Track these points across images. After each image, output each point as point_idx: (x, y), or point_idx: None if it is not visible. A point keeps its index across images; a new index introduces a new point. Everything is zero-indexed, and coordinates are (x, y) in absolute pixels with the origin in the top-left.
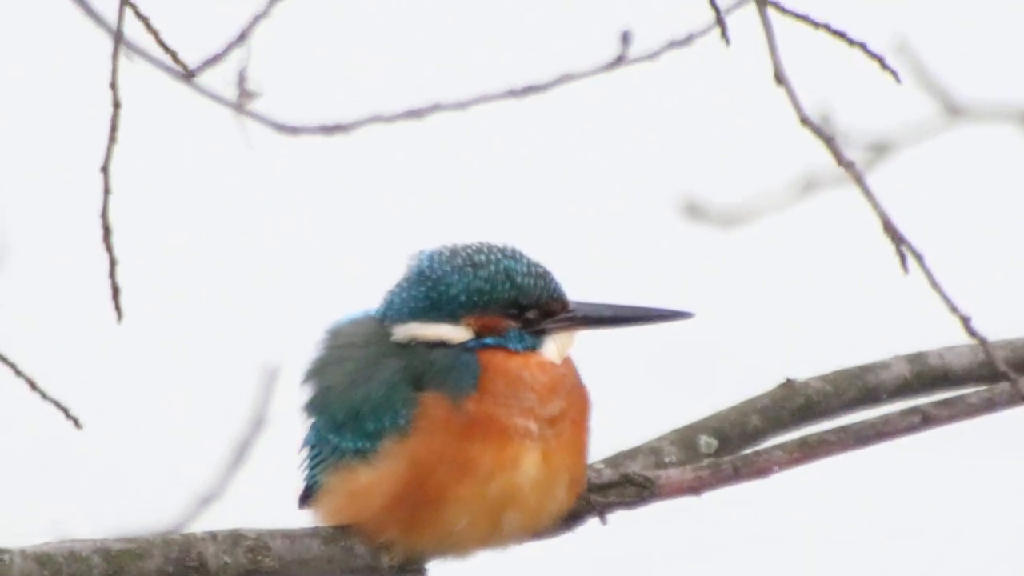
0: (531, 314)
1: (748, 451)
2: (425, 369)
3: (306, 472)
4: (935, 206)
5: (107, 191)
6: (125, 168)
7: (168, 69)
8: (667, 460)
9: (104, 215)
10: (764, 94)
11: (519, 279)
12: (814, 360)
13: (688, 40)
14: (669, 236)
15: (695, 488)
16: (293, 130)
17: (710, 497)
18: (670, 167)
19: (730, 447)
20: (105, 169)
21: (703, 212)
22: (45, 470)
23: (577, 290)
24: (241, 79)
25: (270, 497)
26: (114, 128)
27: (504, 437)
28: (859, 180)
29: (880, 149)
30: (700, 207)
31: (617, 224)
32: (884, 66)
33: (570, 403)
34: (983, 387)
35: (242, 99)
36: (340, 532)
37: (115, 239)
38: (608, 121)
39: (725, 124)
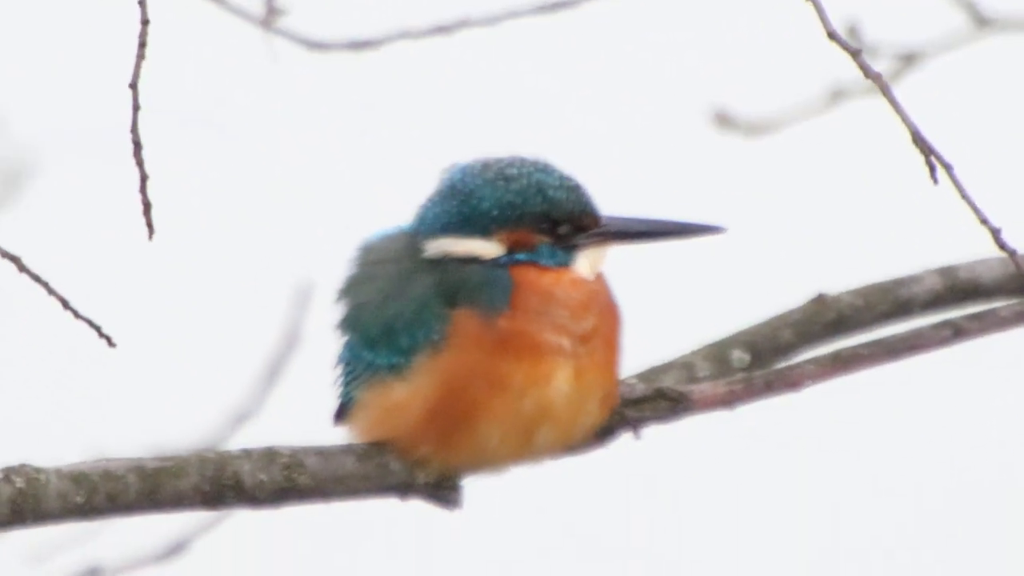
0: (563, 229)
1: (780, 365)
2: (458, 285)
3: (340, 389)
4: (964, 117)
5: (136, 107)
6: (155, 85)
7: None
8: (700, 375)
9: (134, 130)
10: (794, 4)
11: (551, 192)
12: (846, 274)
13: None
14: (700, 146)
15: (728, 402)
16: (321, 46)
17: (743, 411)
18: (700, 79)
19: (762, 361)
20: (134, 85)
21: (733, 122)
22: (79, 389)
23: (609, 204)
24: None
25: (304, 414)
26: (143, 44)
27: (536, 354)
28: (886, 92)
29: (908, 60)
30: (730, 117)
31: (648, 136)
32: None
33: (602, 319)
34: (1014, 300)
35: (270, 16)
36: (375, 449)
37: (145, 155)
38: (637, 35)
39: (755, 35)
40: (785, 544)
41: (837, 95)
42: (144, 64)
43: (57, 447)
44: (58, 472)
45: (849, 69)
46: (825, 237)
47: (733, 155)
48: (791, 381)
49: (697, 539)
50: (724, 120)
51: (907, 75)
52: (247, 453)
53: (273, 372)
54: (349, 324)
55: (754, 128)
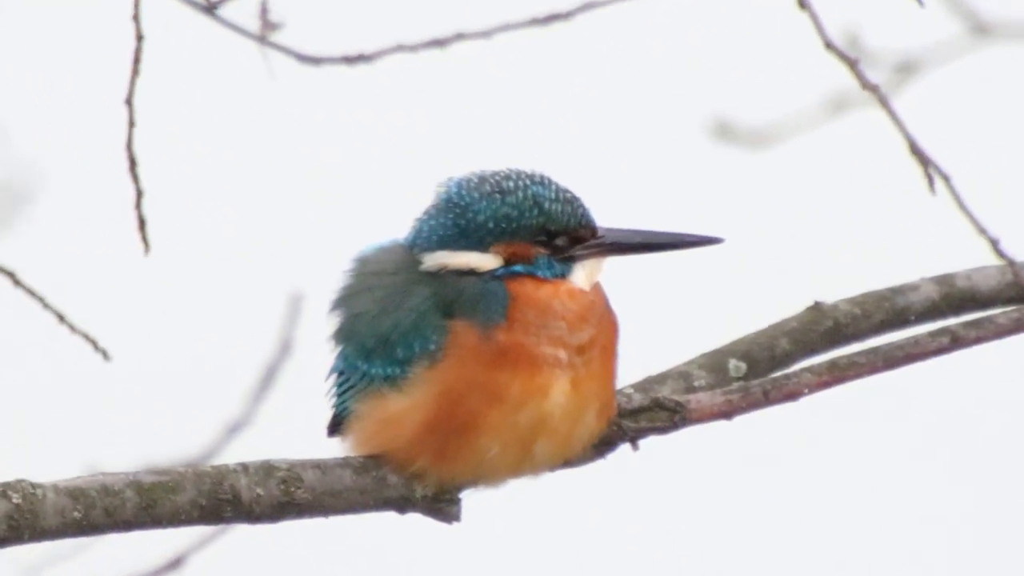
0: (560, 241)
1: (778, 374)
2: (455, 297)
3: (335, 400)
4: (963, 126)
5: (132, 123)
6: (150, 101)
7: (190, 1)
8: (697, 384)
9: (129, 147)
10: (793, 13)
11: (547, 205)
12: (842, 282)
13: None
14: (699, 158)
15: (726, 412)
16: (316, 60)
17: (741, 421)
18: (699, 89)
19: (759, 370)
20: (129, 101)
21: (733, 133)
22: (75, 404)
23: (606, 216)
24: (263, 10)
25: (298, 426)
26: (137, 61)
27: (533, 366)
28: (884, 103)
29: (907, 70)
30: (730, 128)
31: (646, 147)
32: None
33: (599, 330)
34: (1011, 308)
35: (264, 30)
36: (371, 462)
37: (141, 170)
38: (634, 45)
39: (754, 44)
40: (784, 557)
41: (837, 105)
42: (139, 80)
43: (54, 462)
44: (55, 488)
45: (848, 79)
46: (822, 246)
47: (733, 166)
48: (789, 391)
49: (696, 553)
50: (724, 131)
51: (906, 85)
52: (244, 467)
53: (266, 383)
54: (344, 335)
55: (754, 139)
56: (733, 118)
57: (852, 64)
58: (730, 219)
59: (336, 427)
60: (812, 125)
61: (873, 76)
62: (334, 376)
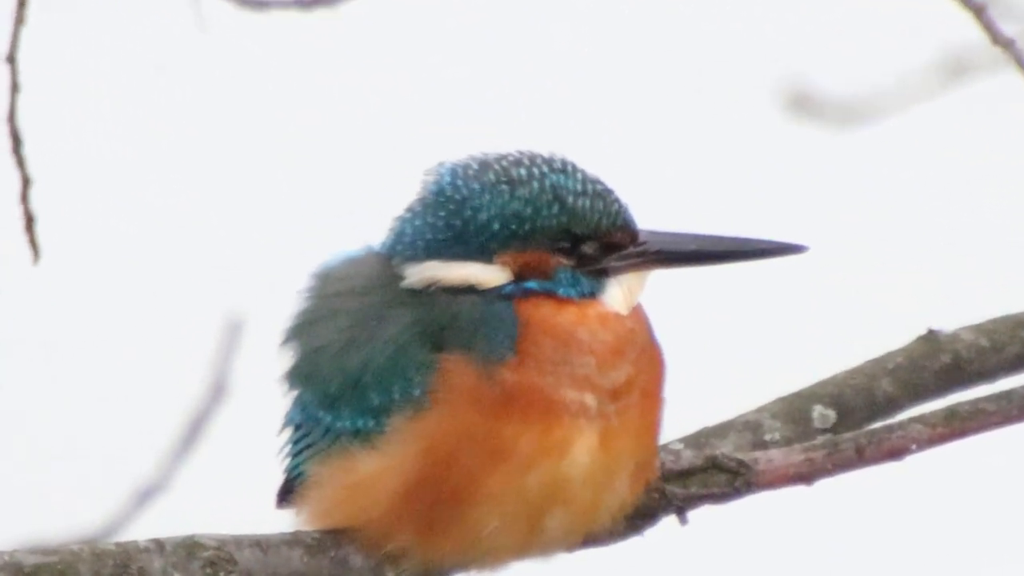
0: (589, 248)
1: (877, 425)
2: (447, 323)
3: (288, 460)
4: None
5: (15, 87)
6: (39, 58)
7: None
8: (768, 438)
9: (12, 119)
10: None
11: (571, 200)
12: (964, 304)
13: None
14: (771, 138)
15: (806, 475)
16: (260, 4)
17: (825, 486)
18: (772, 51)
19: (853, 420)
20: (12, 58)
21: (814, 107)
22: None
23: (649, 216)
24: None
25: (232, 492)
26: (22, 5)
27: (550, 415)
28: (1020, 62)
29: None
30: (810, 100)
31: (702, 126)
32: None
33: (640, 368)
34: None
35: None
36: (330, 539)
37: (27, 152)
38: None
39: None
40: None
41: (951, 70)
42: (24, 30)
43: None
44: None
45: (969, 34)
46: (936, 256)
47: (813, 149)
48: (891, 447)
49: None
50: (802, 103)
51: None
52: (158, 544)
53: (193, 435)
54: (301, 376)
55: (840, 114)
56: (813, 88)
57: (977, 11)
58: (812, 219)
59: (288, 494)
60: (915, 97)
61: (1003, 29)
62: (288, 430)
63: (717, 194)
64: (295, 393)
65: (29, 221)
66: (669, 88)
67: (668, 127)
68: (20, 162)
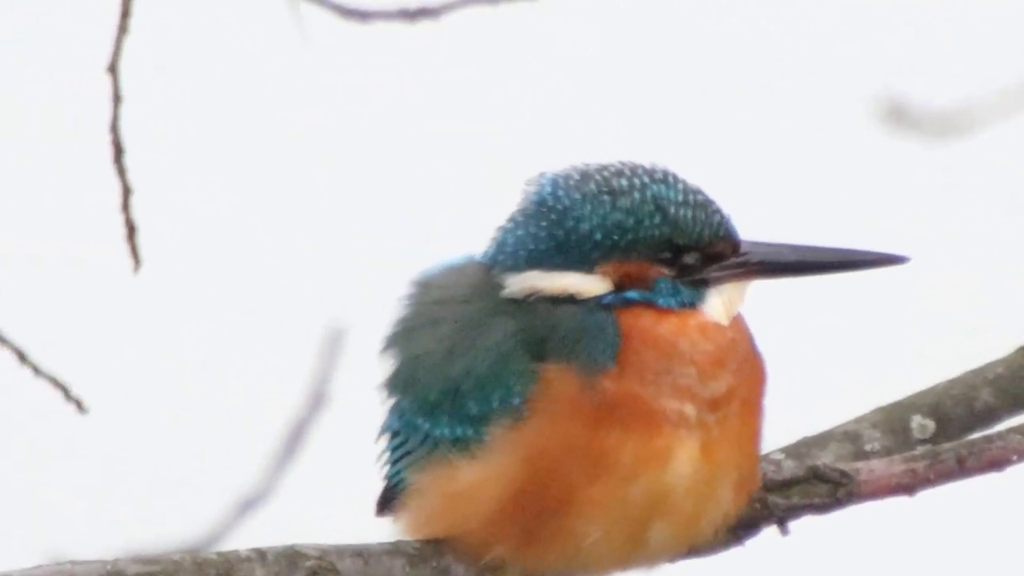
0: (690, 258)
1: (977, 436)
2: (547, 333)
3: (387, 468)
4: None
5: (117, 97)
6: (141, 69)
7: None
8: (868, 448)
9: (114, 129)
10: None
11: (673, 211)
12: None
13: None
14: (867, 149)
15: (907, 486)
16: (362, 15)
17: (925, 497)
18: (869, 63)
19: (952, 431)
20: (113, 68)
21: (910, 118)
22: (39, 471)
23: (749, 228)
24: None
25: (334, 501)
26: (125, 14)
27: (652, 425)
28: None
29: None
30: (906, 112)
31: (800, 137)
32: None
33: (740, 378)
34: None
35: None
36: (431, 548)
37: (129, 161)
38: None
39: (936, 5)
40: None
41: None
42: (127, 40)
43: (9, 548)
44: None
45: None
46: None
47: (911, 160)
48: (992, 458)
49: None
50: (899, 115)
51: None
52: (260, 554)
53: (293, 444)
54: (400, 383)
55: (938, 125)
56: (909, 100)
57: None
58: (910, 230)
59: (387, 503)
60: (1013, 108)
61: None
62: (386, 437)
63: (815, 206)
64: (394, 400)
65: (130, 230)
66: (768, 100)
67: (766, 139)
68: (121, 171)
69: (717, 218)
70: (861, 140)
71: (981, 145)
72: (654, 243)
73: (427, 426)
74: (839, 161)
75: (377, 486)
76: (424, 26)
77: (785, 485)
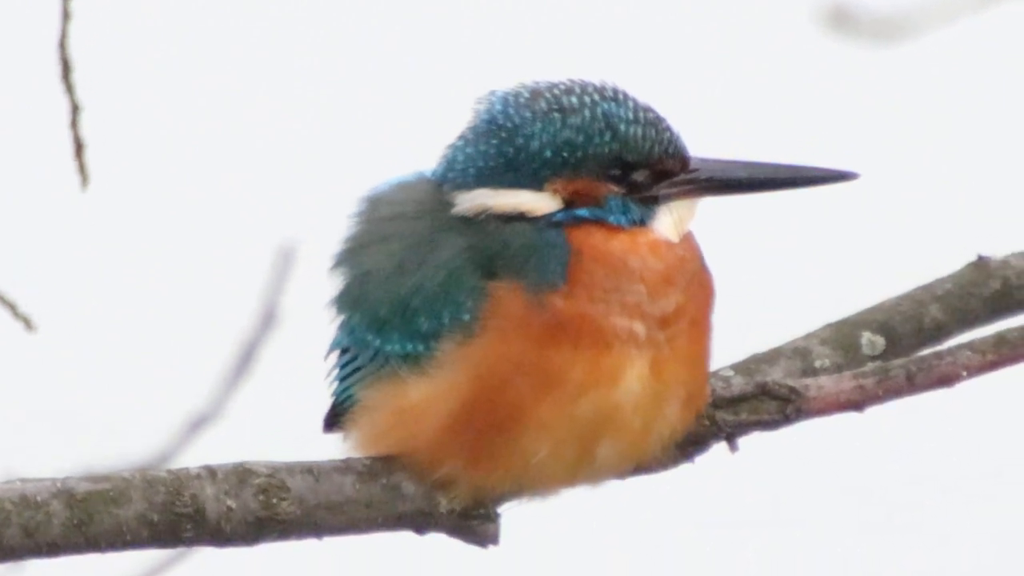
0: (640, 175)
1: (926, 352)
2: (497, 250)
3: (336, 385)
4: None
5: (66, 14)
6: None
7: None
8: (818, 365)
9: (63, 46)
10: None
11: (623, 128)
12: (1013, 230)
13: None
14: (810, 55)
15: (857, 402)
16: None
17: (874, 413)
18: None
19: (901, 347)
20: None
21: (853, 22)
22: None
23: (698, 143)
24: None
25: (284, 419)
26: None
27: (600, 342)
28: None
29: None
30: (849, 15)
31: (745, 46)
32: None
33: (690, 296)
34: None
35: None
36: (382, 465)
37: (77, 79)
38: None
39: None
40: None
41: None
42: None
43: None
44: None
45: None
46: (984, 179)
47: (855, 67)
48: (941, 374)
49: None
50: (842, 20)
51: None
52: (210, 472)
53: (243, 363)
54: (350, 299)
55: (881, 30)
56: (853, 3)
57: None
58: (857, 144)
59: (336, 420)
60: (963, 11)
61: None
62: (335, 354)
63: (760, 113)
64: (343, 317)
65: (79, 147)
66: (707, 8)
67: (708, 48)
68: (69, 88)
69: (667, 135)
70: (805, 44)
71: (933, 47)
72: (604, 160)
73: (377, 342)
74: (783, 66)
75: (325, 404)
76: None
77: (734, 402)
